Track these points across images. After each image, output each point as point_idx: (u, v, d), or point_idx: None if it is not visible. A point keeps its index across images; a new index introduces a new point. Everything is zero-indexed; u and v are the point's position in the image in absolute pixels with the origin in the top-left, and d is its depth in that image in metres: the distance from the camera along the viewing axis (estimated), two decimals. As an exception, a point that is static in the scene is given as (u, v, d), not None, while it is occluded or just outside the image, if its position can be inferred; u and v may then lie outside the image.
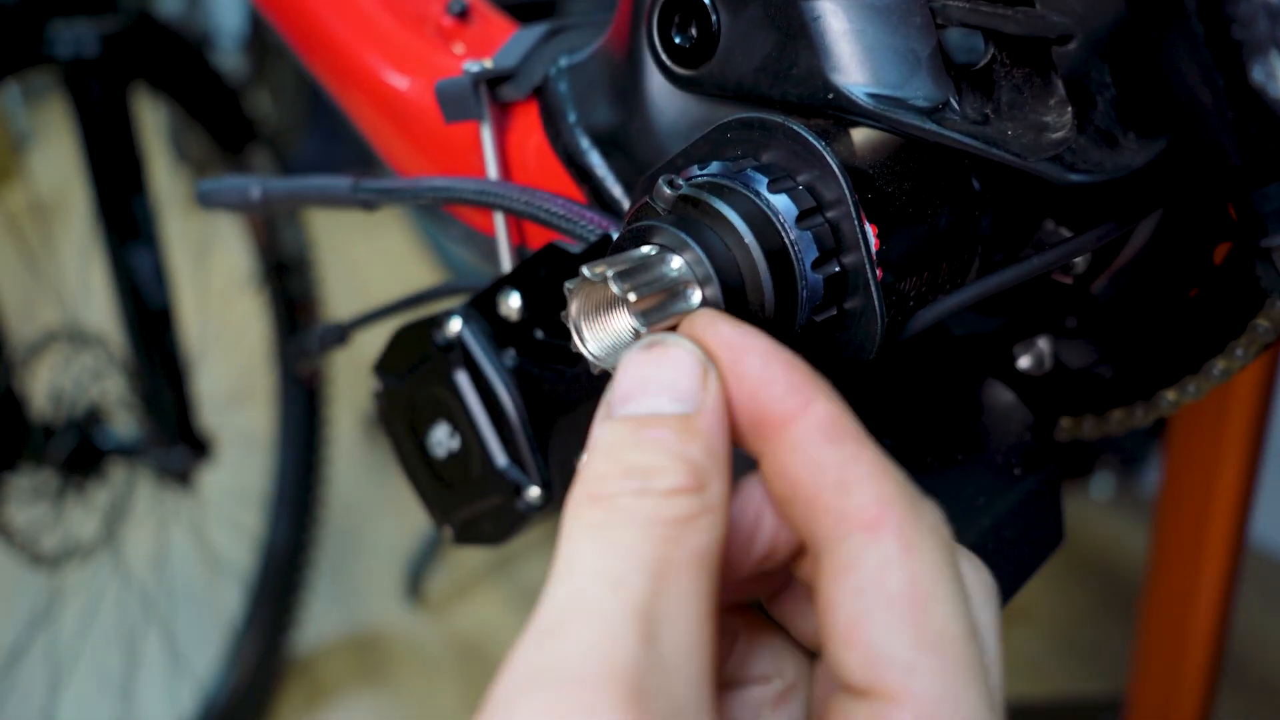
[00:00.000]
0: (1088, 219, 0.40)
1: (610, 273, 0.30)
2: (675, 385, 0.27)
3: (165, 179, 1.44)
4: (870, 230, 0.34)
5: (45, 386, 1.21)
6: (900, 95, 0.34)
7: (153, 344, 1.15)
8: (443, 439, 0.53)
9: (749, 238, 0.32)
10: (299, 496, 1.56)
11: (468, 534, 0.54)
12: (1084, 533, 1.77)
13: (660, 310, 0.31)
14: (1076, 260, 0.42)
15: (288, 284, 1.49)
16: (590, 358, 0.33)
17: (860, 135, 0.36)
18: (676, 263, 0.32)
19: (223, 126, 1.35)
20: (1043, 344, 0.48)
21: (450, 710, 1.50)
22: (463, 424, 0.51)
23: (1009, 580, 0.42)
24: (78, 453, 1.22)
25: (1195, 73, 0.24)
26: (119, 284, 1.12)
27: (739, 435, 0.27)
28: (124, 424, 1.27)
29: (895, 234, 0.35)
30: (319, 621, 1.62)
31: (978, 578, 0.27)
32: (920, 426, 0.44)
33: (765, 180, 0.33)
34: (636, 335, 0.31)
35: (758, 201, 0.33)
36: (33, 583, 1.36)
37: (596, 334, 0.33)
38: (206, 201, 0.53)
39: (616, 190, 0.44)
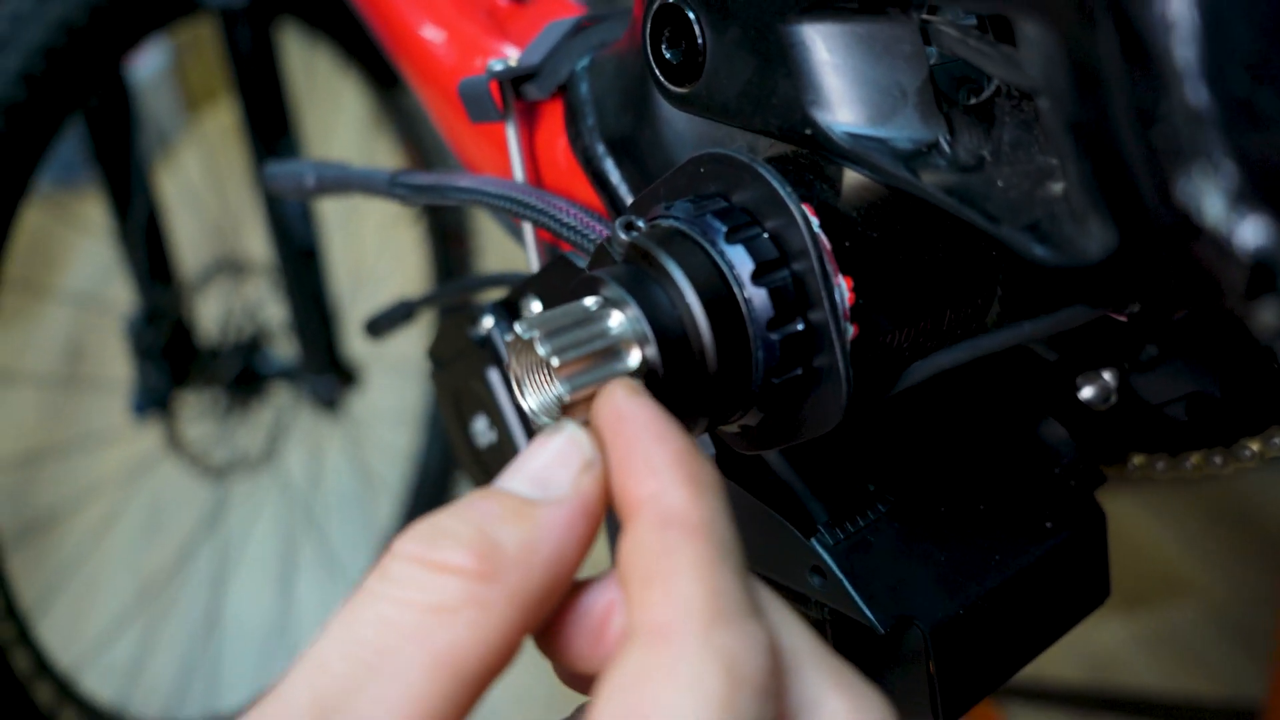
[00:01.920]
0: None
1: (538, 334, 0.29)
2: (540, 471, 0.26)
3: (357, 104, 1.49)
4: (844, 284, 0.31)
5: (214, 313, 1.30)
6: (882, 135, 0.31)
7: (301, 280, 1.22)
8: (483, 429, 0.53)
9: (690, 296, 0.30)
10: (450, 417, 1.62)
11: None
12: (1271, 504, 1.62)
13: (592, 371, 0.29)
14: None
15: (443, 217, 1.53)
16: (530, 414, 0.31)
17: (851, 173, 0.33)
18: (617, 320, 0.30)
19: (379, 62, 1.38)
20: (1108, 376, 0.43)
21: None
22: (497, 420, 0.51)
23: (1022, 647, 0.39)
24: (242, 375, 1.32)
25: (1138, 172, 0.20)
26: (270, 223, 1.18)
27: (618, 511, 0.26)
28: (285, 350, 1.36)
29: (880, 284, 0.32)
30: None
31: (849, 706, 0.24)
32: (944, 472, 0.41)
33: (724, 229, 0.31)
34: (559, 400, 0.30)
35: (712, 253, 0.31)
36: (203, 492, 1.49)
37: (536, 391, 0.31)
38: (269, 184, 0.55)
39: (629, 200, 0.42)
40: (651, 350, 0.30)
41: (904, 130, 0.31)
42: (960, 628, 0.37)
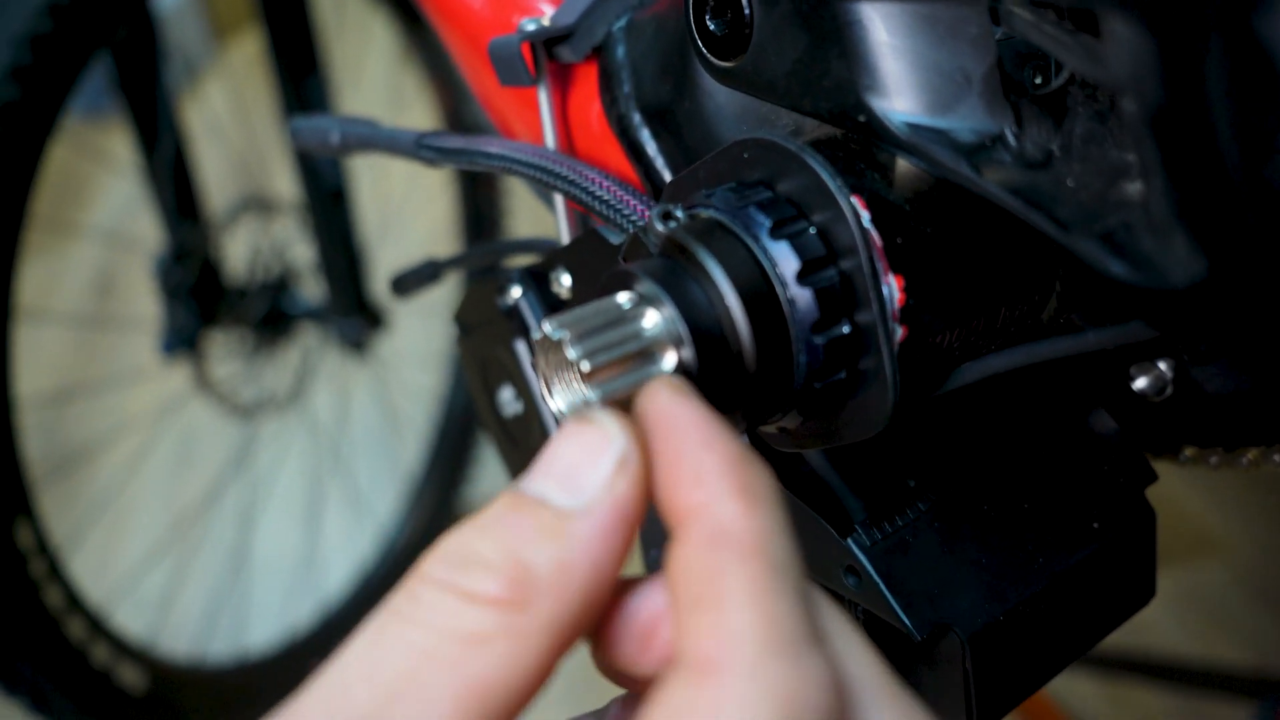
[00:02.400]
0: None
1: (568, 335, 0.27)
2: (572, 473, 0.24)
3: (387, 39, 1.46)
4: (894, 283, 0.29)
5: (242, 252, 1.29)
6: (943, 126, 0.28)
7: (329, 220, 1.20)
8: (509, 399, 0.52)
9: (730, 296, 0.28)
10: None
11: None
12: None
13: (625, 376, 0.28)
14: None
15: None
16: (559, 416, 0.30)
17: (906, 162, 0.30)
18: (652, 319, 0.28)
19: (407, -2, 1.34)
20: (1164, 366, 0.41)
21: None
22: (524, 391, 0.50)
23: (1061, 651, 0.38)
24: (270, 315, 1.31)
25: (1245, 206, 0.18)
26: (299, 163, 1.16)
27: (663, 519, 0.24)
28: (312, 291, 1.35)
29: (933, 283, 0.30)
30: (492, 477, 1.70)
31: None
32: (988, 467, 0.39)
33: (768, 223, 0.29)
34: (590, 404, 0.28)
35: (754, 249, 0.29)
36: (231, 430, 1.50)
37: (565, 391, 0.30)
38: (294, 140, 0.53)
39: (666, 174, 0.40)
40: (688, 353, 0.28)
41: (967, 121, 0.28)
42: (1000, 634, 0.36)
